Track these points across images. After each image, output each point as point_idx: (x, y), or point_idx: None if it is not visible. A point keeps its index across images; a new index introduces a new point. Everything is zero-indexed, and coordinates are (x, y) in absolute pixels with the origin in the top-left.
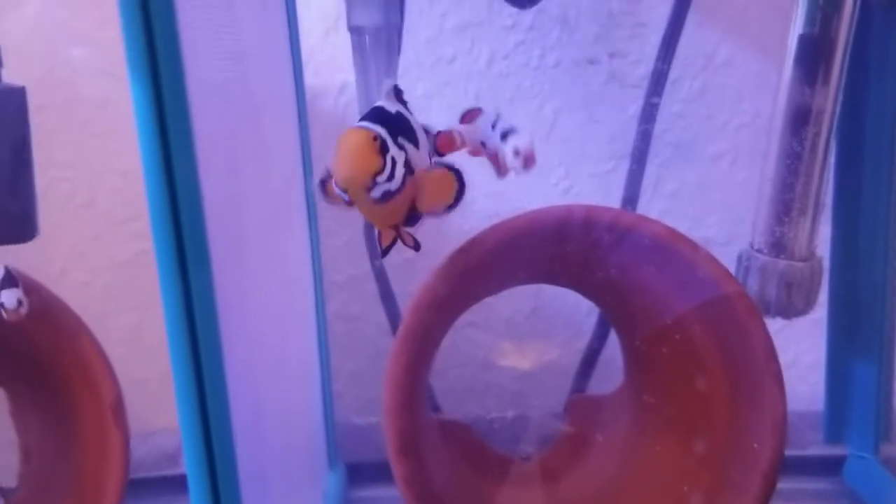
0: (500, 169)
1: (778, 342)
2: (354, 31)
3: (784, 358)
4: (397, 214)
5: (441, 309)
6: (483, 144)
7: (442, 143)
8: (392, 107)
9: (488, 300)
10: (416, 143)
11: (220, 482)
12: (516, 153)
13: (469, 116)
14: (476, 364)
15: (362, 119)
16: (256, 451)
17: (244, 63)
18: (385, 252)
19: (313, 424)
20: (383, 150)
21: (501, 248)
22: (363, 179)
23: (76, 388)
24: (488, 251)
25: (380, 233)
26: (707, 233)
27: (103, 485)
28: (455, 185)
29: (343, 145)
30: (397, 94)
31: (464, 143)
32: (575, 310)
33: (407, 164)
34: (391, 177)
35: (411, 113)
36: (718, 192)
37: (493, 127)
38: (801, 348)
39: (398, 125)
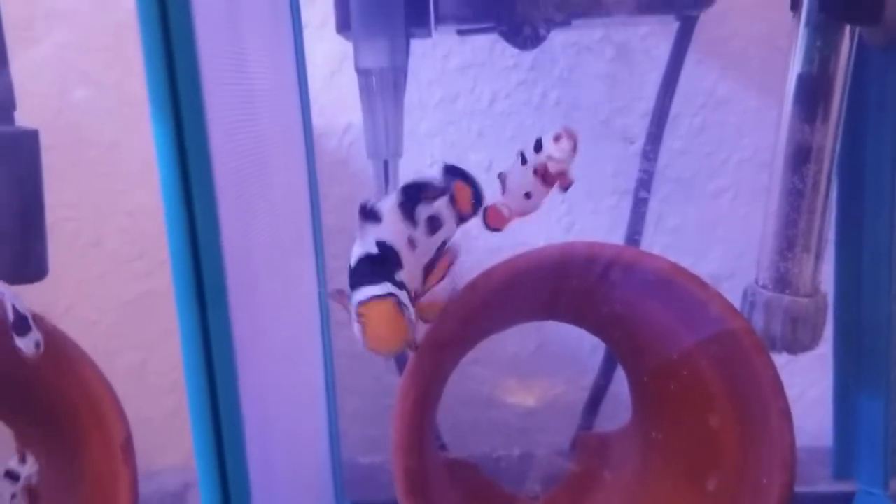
0: (550, 180)
1: (783, 377)
2: (362, 73)
3: (790, 393)
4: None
5: (449, 346)
6: (527, 195)
7: (492, 219)
8: (371, 240)
9: (492, 337)
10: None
11: None
12: (557, 139)
13: (503, 181)
14: (481, 401)
15: (363, 281)
16: (268, 488)
17: (255, 104)
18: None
19: (321, 463)
20: (402, 307)
21: (507, 285)
22: (399, 349)
23: (85, 426)
24: (494, 289)
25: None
26: (710, 267)
27: None
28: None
29: (371, 323)
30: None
31: (511, 214)
32: (579, 347)
33: (411, 294)
34: (411, 322)
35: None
36: (721, 227)
37: (524, 161)
38: (806, 383)
39: (391, 257)
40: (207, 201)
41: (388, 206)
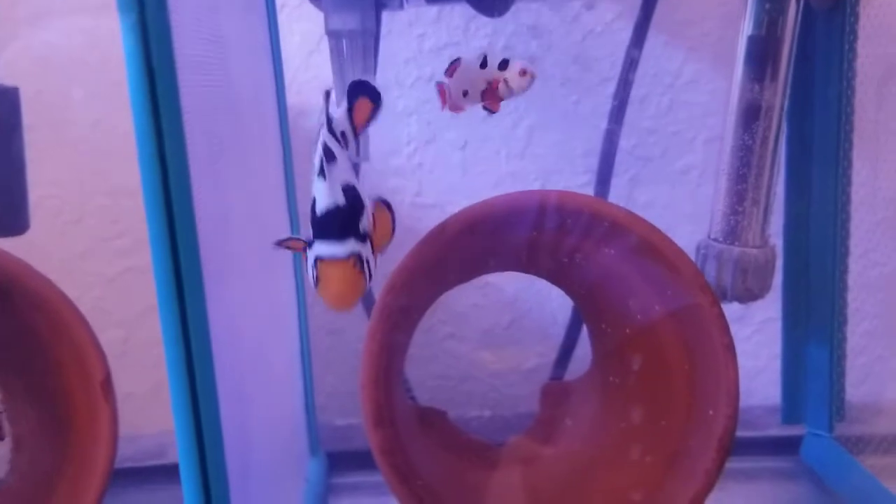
0: (492, 100)
1: (749, 348)
2: (332, 35)
3: (756, 363)
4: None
5: (414, 290)
6: (465, 93)
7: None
8: (338, 186)
9: (466, 312)
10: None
11: (210, 472)
12: (523, 73)
13: (453, 68)
14: (457, 374)
15: (327, 235)
16: (241, 443)
17: (231, 78)
18: None
19: (295, 418)
20: (362, 265)
21: (472, 229)
22: (355, 301)
23: (66, 366)
24: (460, 233)
25: None
26: (679, 243)
27: (91, 462)
28: (390, 218)
29: (329, 283)
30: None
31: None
32: (552, 321)
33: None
34: (370, 275)
35: (330, 117)
36: (689, 203)
37: (483, 66)
38: (770, 354)
39: (356, 203)
40: (181, 184)
41: (327, 138)
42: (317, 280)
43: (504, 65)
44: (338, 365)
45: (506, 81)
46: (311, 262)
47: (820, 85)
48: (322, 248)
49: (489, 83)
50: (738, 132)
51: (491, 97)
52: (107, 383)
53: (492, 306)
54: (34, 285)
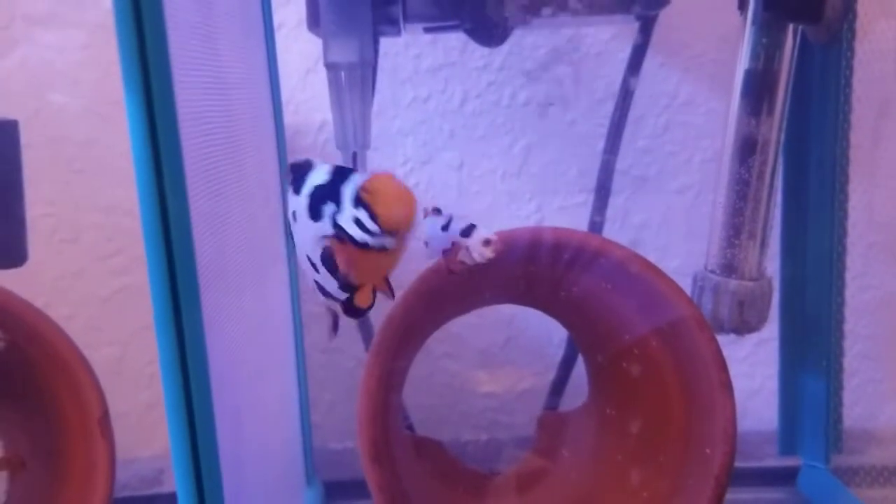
0: (452, 261)
1: (744, 369)
2: (331, 67)
3: (750, 384)
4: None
5: (412, 325)
6: (425, 244)
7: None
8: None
9: (462, 332)
10: None
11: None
12: (486, 243)
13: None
14: (452, 394)
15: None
16: (237, 473)
17: (231, 107)
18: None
19: (291, 445)
20: None
21: (469, 267)
22: (414, 217)
23: (64, 401)
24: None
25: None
26: (673, 263)
27: (89, 496)
28: None
29: (388, 190)
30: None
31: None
32: (547, 341)
33: None
34: None
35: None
36: (684, 223)
37: (445, 229)
38: (766, 374)
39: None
40: (180, 201)
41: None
42: (371, 206)
43: (468, 231)
44: (333, 384)
45: (468, 249)
46: (349, 199)
47: (816, 118)
48: (359, 178)
49: (453, 243)
50: (734, 166)
51: (452, 259)
52: (104, 420)
53: (488, 325)
54: (28, 318)
